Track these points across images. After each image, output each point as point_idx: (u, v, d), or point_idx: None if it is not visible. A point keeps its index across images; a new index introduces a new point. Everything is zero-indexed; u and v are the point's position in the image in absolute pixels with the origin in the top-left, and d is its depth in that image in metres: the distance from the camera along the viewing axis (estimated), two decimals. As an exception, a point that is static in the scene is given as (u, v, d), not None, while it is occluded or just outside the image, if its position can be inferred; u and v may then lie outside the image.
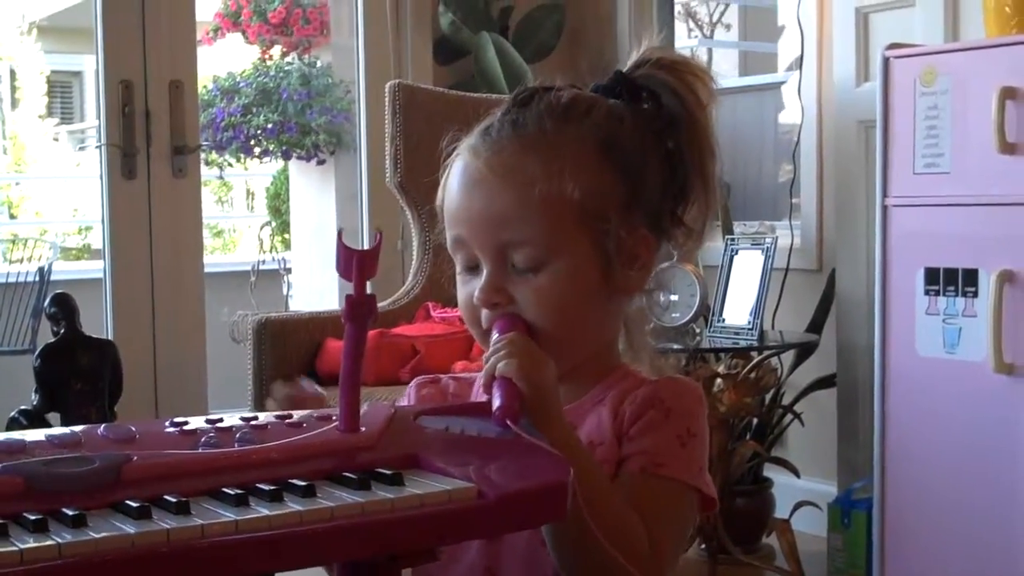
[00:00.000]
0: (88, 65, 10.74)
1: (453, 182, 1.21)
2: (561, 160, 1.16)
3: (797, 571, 3.08)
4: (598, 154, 1.17)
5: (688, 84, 1.22)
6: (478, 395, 1.28)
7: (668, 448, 1.17)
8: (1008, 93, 2.53)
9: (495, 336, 1.16)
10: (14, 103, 11.07)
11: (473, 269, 1.19)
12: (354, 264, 1.04)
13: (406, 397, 1.32)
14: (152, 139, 3.63)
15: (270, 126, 5.06)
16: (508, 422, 1.05)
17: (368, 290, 1.05)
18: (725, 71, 6.10)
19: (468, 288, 1.19)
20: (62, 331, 1.80)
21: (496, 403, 1.07)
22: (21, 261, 6.91)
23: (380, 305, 3.16)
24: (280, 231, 6.41)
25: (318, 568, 0.94)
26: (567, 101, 1.20)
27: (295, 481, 0.93)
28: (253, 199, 9.60)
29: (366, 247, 1.05)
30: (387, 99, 3.48)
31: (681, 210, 1.23)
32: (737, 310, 3.10)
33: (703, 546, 3.18)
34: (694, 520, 1.23)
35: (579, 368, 1.21)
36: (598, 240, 1.17)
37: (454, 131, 1.25)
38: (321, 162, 4.95)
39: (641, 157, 1.19)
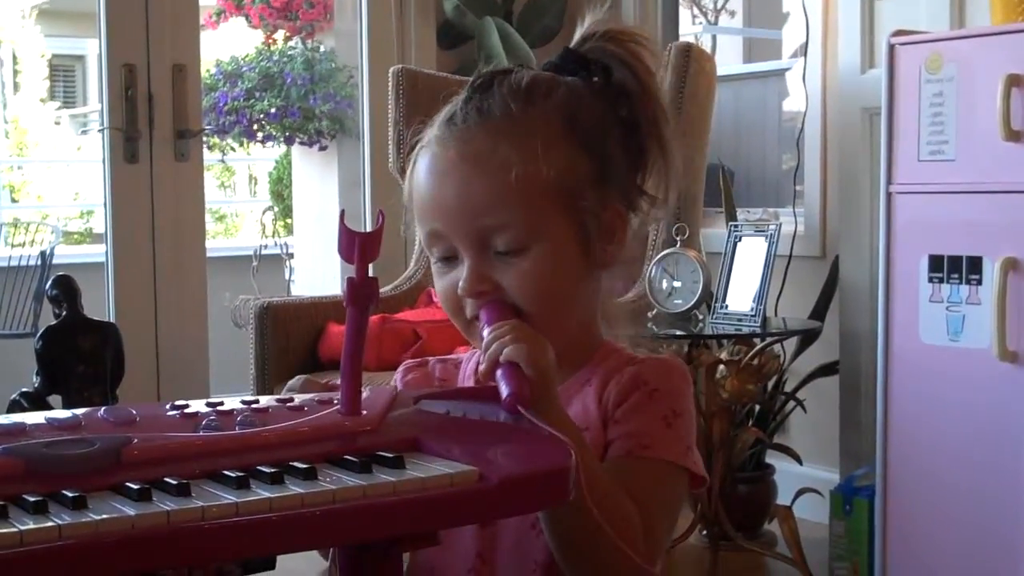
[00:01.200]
0: (90, 49, 10.73)
1: (422, 175, 1.19)
2: (531, 141, 1.15)
3: (799, 558, 3.08)
4: (564, 133, 1.17)
5: (634, 53, 1.23)
6: (465, 377, 1.28)
7: (654, 429, 1.17)
8: (1014, 80, 2.52)
9: (484, 323, 1.15)
10: (16, 87, 11.06)
11: (451, 260, 1.18)
12: (356, 246, 1.03)
13: (394, 381, 1.32)
14: (155, 123, 3.62)
15: (273, 111, 5.05)
16: (520, 408, 1.04)
17: (370, 273, 1.05)
18: (730, 58, 6.09)
19: (448, 279, 1.18)
20: (64, 313, 1.80)
21: (505, 390, 1.06)
22: (23, 245, 6.91)
23: (382, 290, 3.16)
24: (282, 216, 6.40)
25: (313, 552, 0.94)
26: (528, 83, 1.19)
27: (296, 464, 0.93)
28: (256, 184, 9.59)
29: (368, 230, 1.05)
30: (390, 84, 3.47)
31: (641, 178, 1.23)
32: (740, 297, 3.09)
33: (704, 532, 3.18)
34: (683, 499, 1.23)
35: (565, 347, 1.20)
36: (575, 218, 1.17)
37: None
38: (323, 148, 4.94)
39: (603, 131, 1.20)
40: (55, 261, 6.18)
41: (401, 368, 1.33)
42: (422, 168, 1.20)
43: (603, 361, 1.23)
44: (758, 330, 3.05)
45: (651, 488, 1.14)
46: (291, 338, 3.19)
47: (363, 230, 1.04)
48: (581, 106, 1.19)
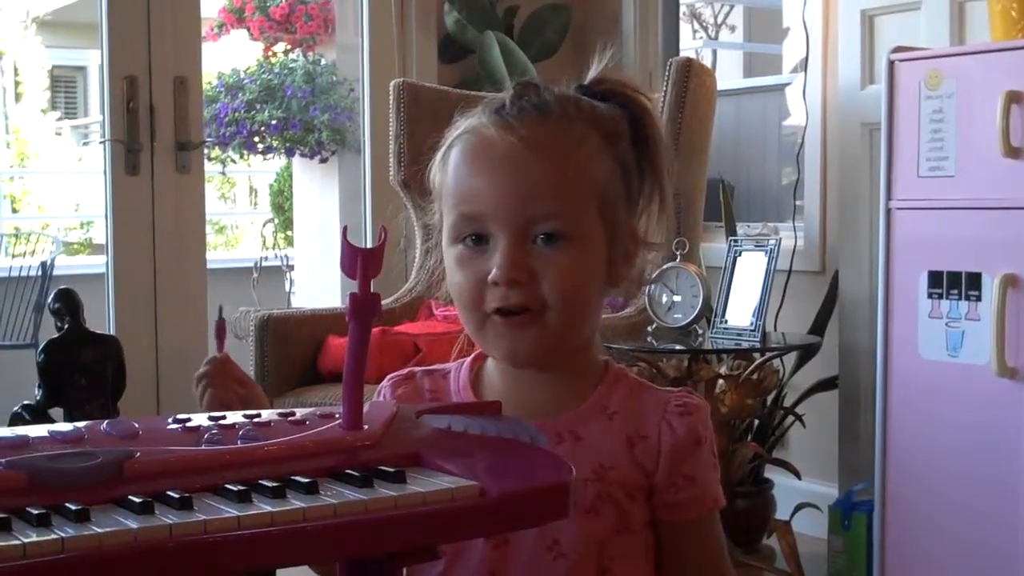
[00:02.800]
0: (92, 60, 10.75)
1: (464, 159, 1.19)
2: (586, 143, 1.17)
3: (797, 572, 3.08)
4: (607, 146, 1.19)
5: (642, 101, 1.25)
6: (459, 388, 1.27)
7: (712, 481, 1.22)
8: (1013, 97, 2.53)
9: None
10: (17, 97, 11.07)
11: (479, 245, 1.17)
12: (359, 262, 1.04)
13: (379, 394, 1.30)
14: (156, 135, 3.63)
15: (274, 122, 5.06)
16: None
17: (372, 288, 1.05)
18: (730, 72, 6.11)
19: (474, 267, 1.16)
20: (66, 326, 1.80)
21: None
22: (23, 255, 6.91)
23: (383, 303, 3.16)
24: (283, 228, 6.41)
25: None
26: (574, 94, 1.21)
27: (298, 478, 0.93)
28: (256, 196, 9.60)
29: (370, 245, 1.05)
30: (391, 97, 3.48)
31: (638, 213, 1.25)
32: (740, 311, 3.09)
33: (703, 547, 3.18)
34: None
35: (570, 361, 1.22)
36: (608, 228, 1.19)
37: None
38: (324, 160, 4.95)
39: (630, 153, 1.22)
40: (55, 272, 6.18)
41: (388, 382, 1.31)
42: (463, 153, 1.19)
43: (615, 385, 1.23)
44: (757, 345, 3.06)
45: (719, 536, 1.24)
46: (291, 350, 3.19)
47: (364, 244, 1.05)
48: (618, 127, 1.21)
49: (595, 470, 1.17)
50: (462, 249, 1.18)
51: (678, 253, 3.07)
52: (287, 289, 5.80)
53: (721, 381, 3.06)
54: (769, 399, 3.39)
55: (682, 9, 4.63)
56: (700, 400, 1.25)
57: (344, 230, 1.04)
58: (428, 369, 1.31)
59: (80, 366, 1.82)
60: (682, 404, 1.22)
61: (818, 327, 3.48)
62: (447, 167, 1.21)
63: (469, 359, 1.28)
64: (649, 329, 3.09)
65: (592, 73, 1.26)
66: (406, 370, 1.32)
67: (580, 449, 1.18)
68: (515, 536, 1.15)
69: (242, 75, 5.23)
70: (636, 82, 1.27)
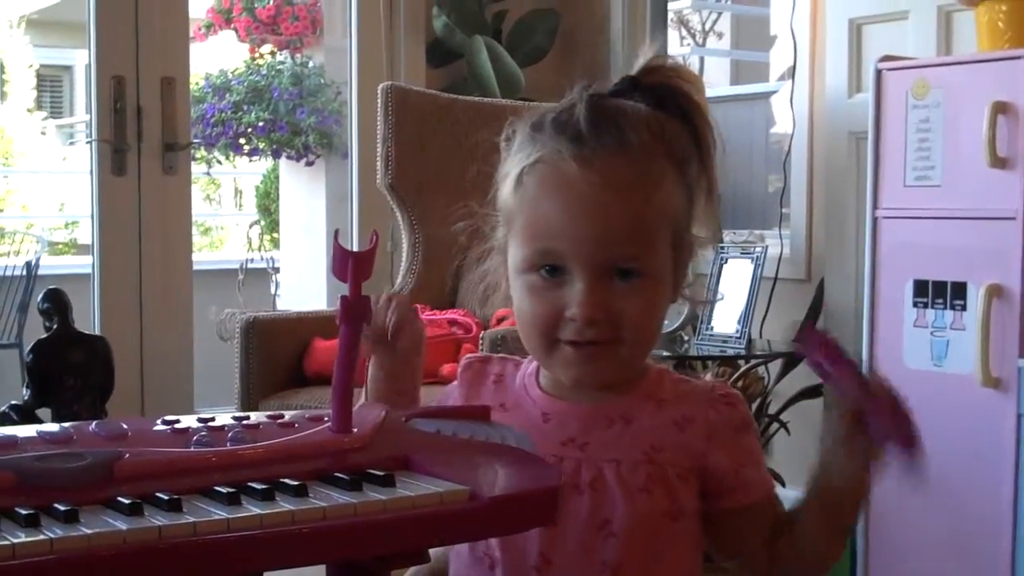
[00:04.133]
0: (79, 60, 10.72)
1: (547, 193, 1.17)
2: (664, 179, 1.17)
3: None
4: (678, 172, 1.19)
5: (691, 91, 1.24)
6: (523, 376, 1.27)
7: (764, 467, 1.28)
8: (1000, 107, 2.54)
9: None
10: (2, 96, 11.04)
11: (555, 280, 1.17)
12: (350, 265, 1.04)
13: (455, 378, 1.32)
14: (143, 135, 3.62)
15: (260, 124, 5.06)
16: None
17: (362, 291, 1.05)
18: (717, 80, 6.12)
19: (551, 299, 1.17)
20: (54, 327, 1.80)
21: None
22: (8, 255, 6.89)
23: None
24: (269, 230, 6.40)
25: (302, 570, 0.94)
26: (648, 118, 1.19)
27: (287, 480, 0.93)
28: (242, 197, 9.58)
29: (358, 248, 1.05)
30: (379, 100, 3.48)
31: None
32: (725, 318, 3.10)
33: (687, 553, 3.18)
34: None
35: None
36: (677, 254, 1.20)
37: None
38: (310, 163, 4.95)
39: (695, 171, 1.22)
40: (40, 272, 6.16)
41: (465, 360, 1.32)
42: (544, 184, 1.18)
43: (661, 377, 1.26)
44: (743, 352, 3.07)
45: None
46: (276, 353, 3.19)
47: (353, 248, 1.05)
48: (685, 147, 1.20)
49: (646, 452, 1.19)
50: (537, 279, 1.18)
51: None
52: (273, 291, 5.79)
53: (706, 387, 3.06)
54: (754, 406, 3.39)
55: (670, 16, 4.64)
56: (737, 391, 1.29)
57: (335, 233, 1.04)
58: (504, 356, 1.32)
59: (69, 366, 1.82)
60: (725, 393, 1.25)
61: (803, 335, 3.48)
62: (523, 195, 1.19)
63: None
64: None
65: (640, 61, 1.24)
66: (482, 353, 1.36)
67: (631, 432, 1.20)
68: (565, 516, 1.15)
69: (229, 76, 5.23)
70: (684, 71, 1.26)
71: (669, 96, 1.22)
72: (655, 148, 1.17)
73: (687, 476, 1.21)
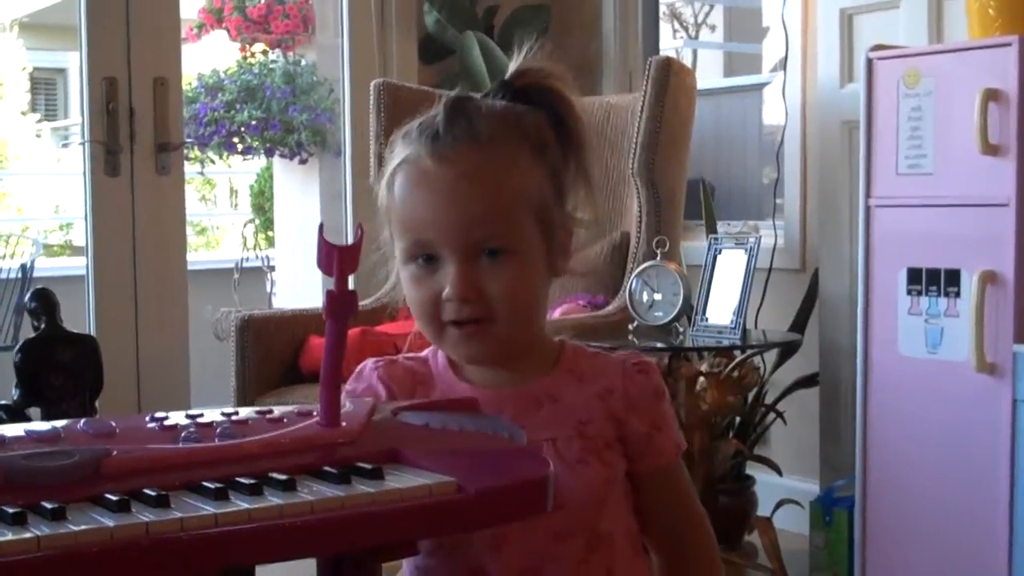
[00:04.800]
0: (72, 62, 10.70)
1: (408, 190, 1.28)
2: (516, 164, 1.27)
3: (779, 569, 3.09)
4: (536, 156, 1.29)
5: (561, 91, 1.35)
6: (439, 372, 1.34)
7: (676, 429, 1.36)
8: (991, 95, 2.54)
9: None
10: (-4, 99, 11.03)
11: (432, 264, 1.26)
12: (335, 259, 1.04)
13: (358, 377, 1.36)
14: (136, 136, 3.62)
15: (253, 123, 5.05)
16: None
17: (350, 286, 1.05)
18: (710, 72, 6.11)
19: (428, 285, 1.26)
20: (42, 326, 1.79)
21: None
22: (3, 257, 6.88)
23: (363, 303, 3.15)
24: (264, 229, 6.39)
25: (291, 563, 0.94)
26: (500, 110, 1.30)
27: (275, 475, 0.93)
28: (236, 197, 9.57)
29: (348, 243, 1.05)
30: (372, 97, 3.47)
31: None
32: (720, 309, 3.10)
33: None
34: None
35: (530, 346, 1.33)
36: (545, 232, 1.29)
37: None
38: (303, 161, 4.94)
39: (559, 158, 1.32)
40: (36, 274, 6.15)
41: (372, 364, 1.37)
42: (408, 183, 1.28)
43: (577, 354, 1.36)
44: (738, 342, 3.06)
45: (688, 478, 1.39)
46: (272, 351, 3.19)
47: (343, 243, 1.05)
48: (544, 134, 1.31)
49: (575, 426, 1.29)
50: (415, 269, 1.28)
51: (658, 251, 3.08)
52: (268, 290, 5.78)
53: (702, 379, 3.06)
54: (750, 396, 3.39)
55: (662, 8, 4.63)
56: (650, 359, 1.39)
57: (320, 227, 1.04)
58: (407, 356, 1.39)
59: (57, 365, 1.81)
60: (639, 362, 1.36)
61: (798, 324, 3.49)
62: (393, 194, 1.30)
63: None
64: (630, 327, 3.10)
65: (512, 66, 1.35)
66: (387, 357, 1.39)
67: (560, 409, 1.30)
68: None
69: (222, 75, 5.22)
70: (555, 71, 1.36)
71: (536, 93, 1.33)
72: (505, 135, 1.28)
73: (613, 443, 1.31)
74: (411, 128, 1.31)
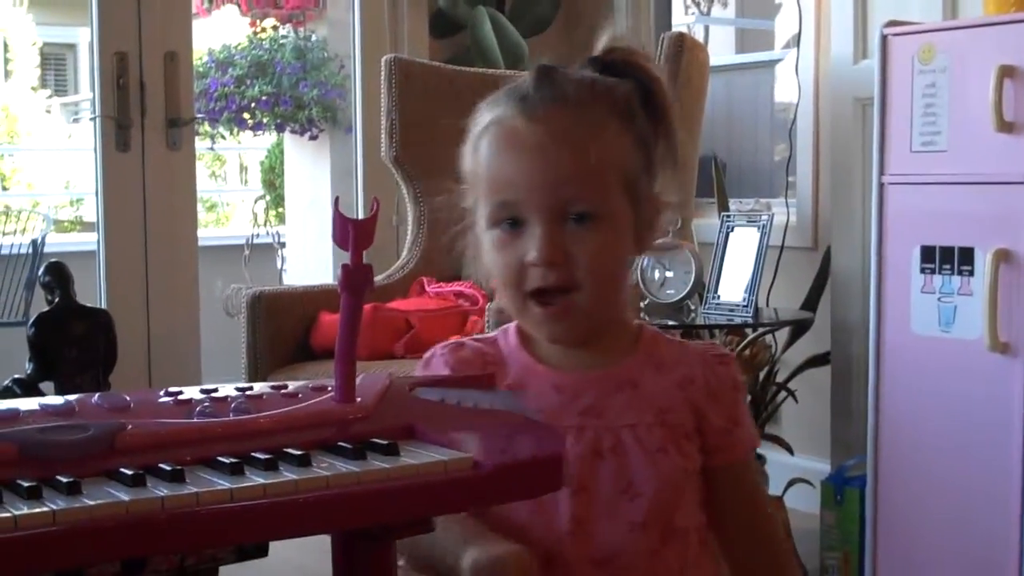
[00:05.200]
0: (82, 37, 10.69)
1: (495, 150, 1.26)
2: (605, 129, 1.25)
3: (789, 547, 3.08)
4: (625, 125, 1.26)
5: (651, 68, 1.33)
6: (510, 352, 1.31)
7: (751, 425, 1.35)
8: (1006, 71, 2.52)
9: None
10: (7, 75, 11.03)
11: (516, 229, 1.24)
12: (351, 233, 1.03)
13: (427, 363, 1.34)
14: (146, 111, 3.61)
15: (264, 98, 5.04)
16: None
17: (364, 260, 1.05)
18: (722, 48, 6.09)
19: (513, 250, 1.24)
20: (56, 300, 1.79)
21: None
22: (14, 233, 6.89)
23: (375, 280, 3.15)
24: (274, 205, 6.38)
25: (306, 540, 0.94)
26: (589, 79, 1.28)
27: (290, 450, 0.93)
28: (247, 173, 9.57)
29: (362, 217, 1.05)
30: (383, 73, 3.46)
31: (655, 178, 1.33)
32: (732, 287, 3.09)
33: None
34: None
35: (612, 327, 1.31)
36: (633, 203, 1.27)
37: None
38: (314, 137, 4.93)
39: (647, 131, 1.29)
40: (46, 249, 6.16)
41: (441, 349, 1.34)
42: (495, 143, 1.26)
43: (655, 341, 1.33)
44: (750, 320, 3.06)
45: (758, 474, 1.44)
46: (283, 327, 3.18)
47: (358, 217, 1.04)
48: (633, 104, 1.28)
49: (656, 414, 1.27)
50: (500, 233, 1.25)
51: (670, 229, 3.07)
52: (279, 266, 5.78)
53: (713, 357, 3.06)
54: (761, 375, 3.39)
55: (674, -16, 4.61)
56: (724, 350, 1.38)
57: (336, 201, 1.04)
58: (476, 337, 1.37)
59: (71, 339, 1.82)
60: (720, 355, 1.34)
61: (810, 303, 3.48)
62: (479, 156, 1.28)
63: (514, 322, 1.34)
64: (642, 305, 3.09)
65: (601, 44, 1.32)
66: (453, 340, 1.37)
67: (640, 396, 1.28)
68: (593, 482, 1.23)
69: (232, 51, 5.21)
70: (643, 50, 1.35)
71: (625, 69, 1.30)
72: (594, 100, 1.26)
73: (691, 435, 1.28)
74: (497, 95, 1.29)
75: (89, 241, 3.94)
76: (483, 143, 1.27)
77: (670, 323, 3.01)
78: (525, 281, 1.23)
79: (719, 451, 1.30)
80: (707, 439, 1.29)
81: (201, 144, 5.38)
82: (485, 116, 1.29)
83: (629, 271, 1.32)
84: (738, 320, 3.06)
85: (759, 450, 3.45)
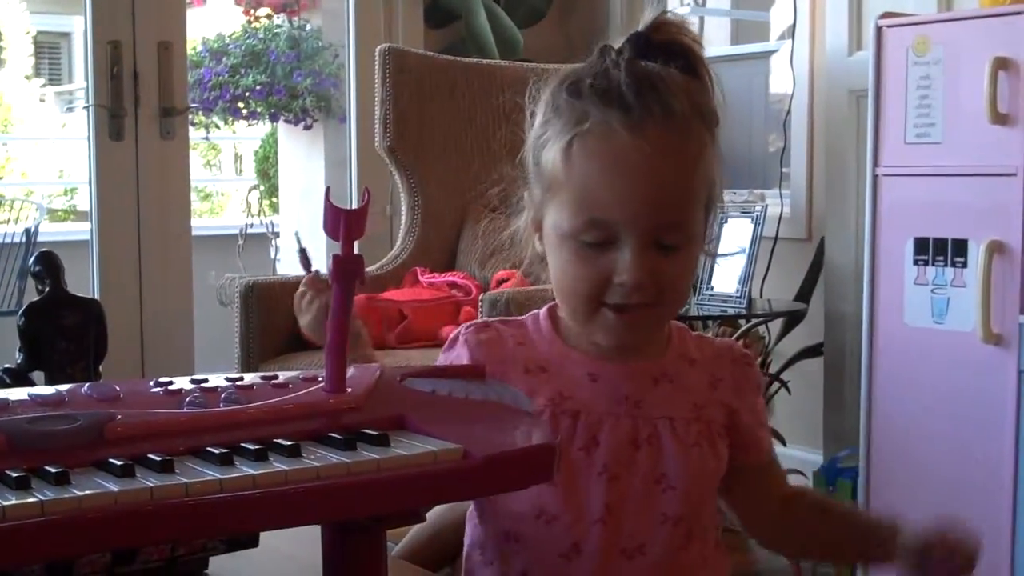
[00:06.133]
0: (76, 26, 10.67)
1: (595, 163, 1.18)
2: (704, 145, 1.20)
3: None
4: (711, 137, 1.21)
5: (696, 51, 1.26)
6: (541, 338, 1.28)
7: (767, 428, 1.34)
8: (1001, 63, 2.52)
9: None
10: (0, 63, 10.99)
11: (602, 246, 1.18)
12: (341, 223, 1.03)
13: (454, 344, 1.30)
14: (140, 100, 3.61)
15: (258, 88, 5.03)
16: None
17: (355, 250, 1.04)
18: (717, 39, 6.07)
19: (598, 263, 1.18)
20: (47, 289, 1.78)
21: None
22: (7, 222, 6.88)
23: (368, 270, 3.15)
24: (268, 194, 6.38)
25: (296, 530, 0.94)
26: (683, 83, 1.20)
27: (280, 441, 0.92)
28: (241, 162, 9.56)
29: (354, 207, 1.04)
30: (377, 63, 3.46)
31: None
32: (726, 278, 3.09)
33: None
34: None
35: None
36: (708, 219, 1.24)
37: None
38: (308, 127, 4.93)
39: (719, 134, 1.23)
40: (40, 239, 6.15)
41: (466, 329, 1.30)
42: (594, 155, 1.18)
43: (684, 337, 1.31)
44: (743, 311, 3.06)
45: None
46: (276, 317, 3.18)
47: (349, 207, 1.04)
48: (711, 109, 1.22)
49: (692, 409, 1.25)
50: (582, 247, 1.19)
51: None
52: (272, 256, 5.78)
53: (707, 348, 3.06)
54: (755, 366, 3.39)
55: (669, -25, 4.60)
56: (744, 350, 1.36)
57: (327, 191, 1.03)
58: (504, 320, 1.32)
59: (61, 329, 1.80)
60: (743, 354, 1.32)
61: (804, 294, 3.48)
62: (572, 163, 1.19)
63: (545, 308, 1.30)
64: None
65: (647, 18, 1.25)
66: (480, 320, 1.35)
67: (677, 390, 1.25)
68: (625, 472, 1.21)
69: (226, 40, 5.20)
70: (690, 28, 1.27)
71: (680, 54, 1.23)
72: (694, 115, 1.19)
73: (723, 432, 1.27)
74: (579, 86, 1.20)
75: (82, 230, 3.93)
76: (578, 150, 1.18)
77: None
78: (605, 294, 1.18)
79: (749, 448, 1.29)
80: (739, 436, 1.28)
81: (195, 133, 5.38)
82: (575, 115, 1.19)
83: None
84: (731, 311, 3.06)
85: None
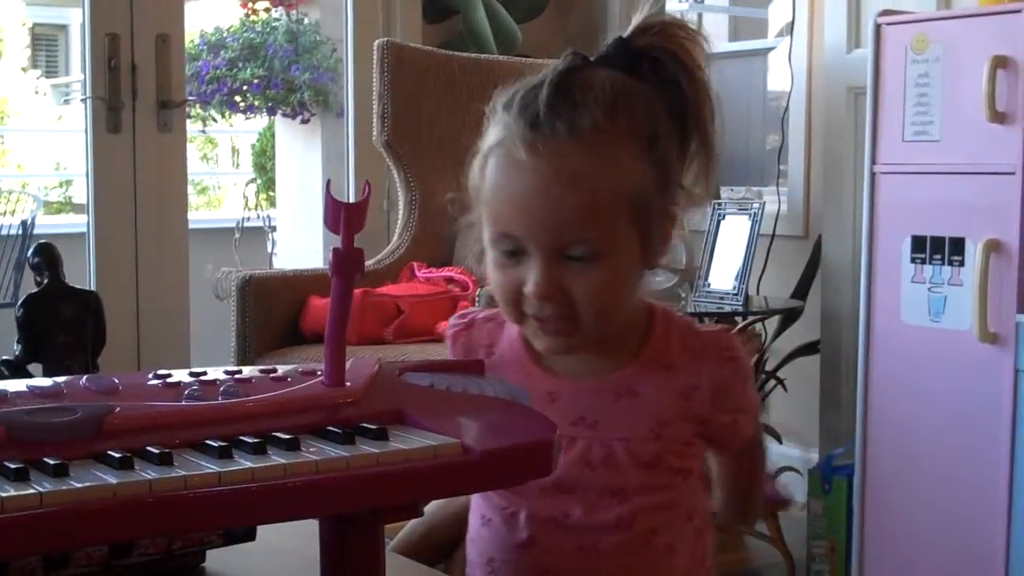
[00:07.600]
0: (73, 18, 10.66)
1: (503, 179, 1.18)
2: (618, 161, 1.16)
3: (777, 536, 3.09)
4: (643, 149, 1.17)
5: (688, 49, 1.22)
6: (511, 344, 1.27)
7: (758, 407, 1.35)
8: (999, 62, 2.52)
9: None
10: (-3, 55, 10.98)
11: (516, 256, 1.18)
12: (342, 216, 1.03)
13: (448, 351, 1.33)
14: (138, 93, 3.60)
15: (255, 81, 5.03)
16: None
17: (355, 244, 1.04)
18: (715, 36, 6.07)
19: (512, 274, 1.18)
20: (45, 281, 1.78)
21: None
22: (3, 214, 6.87)
23: (365, 265, 3.14)
24: (265, 188, 6.37)
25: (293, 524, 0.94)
26: (610, 95, 1.17)
27: (279, 434, 0.92)
28: (238, 156, 9.55)
29: (354, 200, 1.04)
30: (375, 57, 3.45)
31: (682, 174, 1.24)
32: (723, 275, 3.09)
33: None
34: None
35: (613, 337, 1.24)
36: (642, 228, 1.19)
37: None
38: (305, 121, 4.92)
39: (670, 141, 1.20)
40: (36, 231, 6.14)
41: (450, 333, 1.32)
42: (498, 171, 1.19)
43: (667, 334, 1.25)
44: (740, 308, 3.06)
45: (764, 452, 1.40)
46: (273, 311, 3.18)
47: (350, 200, 1.04)
48: (657, 122, 1.19)
49: (653, 428, 1.21)
50: (500, 256, 1.20)
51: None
52: (269, 250, 5.77)
53: (703, 344, 3.06)
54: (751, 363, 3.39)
55: (668, -29, 4.60)
56: (741, 340, 1.32)
57: (327, 184, 1.03)
58: (488, 316, 1.32)
59: (59, 321, 1.80)
60: (728, 347, 1.26)
61: (801, 291, 3.48)
62: (485, 178, 1.21)
63: None
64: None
65: (634, 21, 1.23)
66: (468, 317, 1.33)
67: (638, 406, 1.22)
68: (579, 483, 1.20)
69: (224, 33, 5.20)
70: (683, 28, 1.24)
71: (657, 60, 1.20)
72: (611, 127, 1.16)
73: (692, 440, 1.24)
74: (512, 99, 1.20)
75: (79, 222, 3.93)
76: (491, 163, 1.20)
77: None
78: (522, 304, 1.18)
79: (726, 444, 1.28)
80: (713, 437, 1.26)
81: (192, 127, 5.37)
82: (495, 128, 1.20)
83: (635, 288, 1.23)
84: (728, 308, 3.06)
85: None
